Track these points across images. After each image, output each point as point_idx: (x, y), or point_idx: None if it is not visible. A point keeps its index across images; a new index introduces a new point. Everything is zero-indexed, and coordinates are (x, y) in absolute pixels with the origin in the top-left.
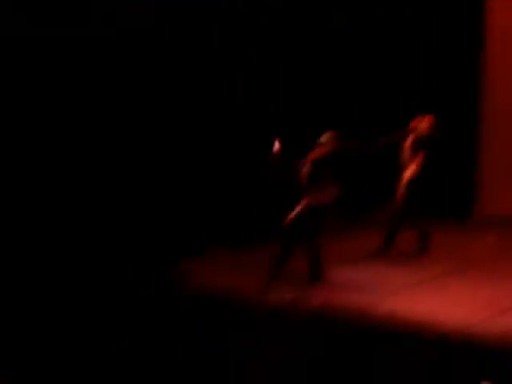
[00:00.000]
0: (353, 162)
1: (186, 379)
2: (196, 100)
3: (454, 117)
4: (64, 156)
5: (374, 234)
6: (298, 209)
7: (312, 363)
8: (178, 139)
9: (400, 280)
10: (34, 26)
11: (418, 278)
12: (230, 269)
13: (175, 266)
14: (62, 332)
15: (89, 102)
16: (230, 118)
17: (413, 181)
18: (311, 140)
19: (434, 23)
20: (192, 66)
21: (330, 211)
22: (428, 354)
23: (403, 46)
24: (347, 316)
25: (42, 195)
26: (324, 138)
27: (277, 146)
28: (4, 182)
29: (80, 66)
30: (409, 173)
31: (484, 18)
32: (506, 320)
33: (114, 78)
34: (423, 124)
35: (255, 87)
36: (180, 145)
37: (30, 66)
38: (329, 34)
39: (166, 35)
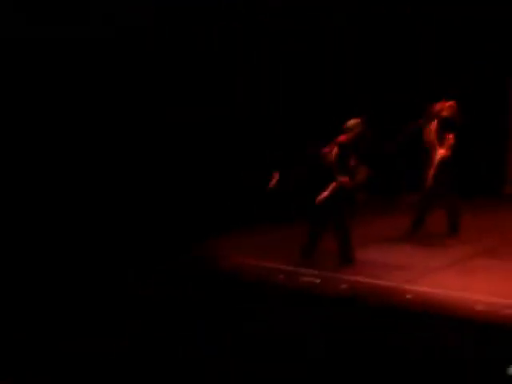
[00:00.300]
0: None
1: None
2: (196, 100)
3: (484, 100)
4: (63, 155)
5: (403, 216)
6: (329, 188)
7: (340, 342)
8: (178, 137)
9: (429, 261)
10: (33, 26)
11: (447, 259)
12: (257, 248)
13: (201, 245)
14: (62, 332)
15: (89, 101)
16: (230, 118)
17: (443, 162)
18: (312, 139)
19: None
20: (192, 66)
21: (361, 192)
22: (457, 335)
23: (403, 46)
24: (376, 297)
25: (40, 195)
26: (350, 123)
27: (274, 180)
28: (1, 180)
29: (80, 65)
30: (438, 155)
31: None
32: None
33: (114, 77)
34: (447, 107)
35: (255, 87)
36: (180, 143)
37: (30, 66)
38: (329, 34)
39: (166, 35)
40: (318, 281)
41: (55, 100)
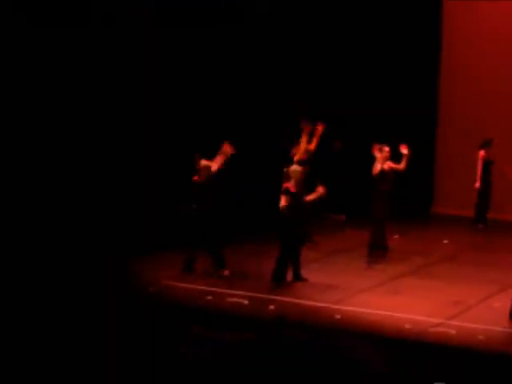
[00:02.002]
0: None
1: None
2: (196, 100)
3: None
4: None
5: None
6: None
7: (266, 365)
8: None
9: (358, 282)
10: (34, 26)
11: (375, 279)
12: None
13: (125, 264)
14: None
15: (88, 101)
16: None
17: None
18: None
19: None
20: (192, 67)
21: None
22: (386, 353)
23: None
24: (305, 318)
25: None
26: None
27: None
28: None
29: (80, 65)
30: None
31: None
32: (460, 322)
33: (114, 77)
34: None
35: (254, 87)
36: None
37: (29, 66)
38: (325, 36)
39: (166, 35)
40: (246, 302)
41: (55, 99)
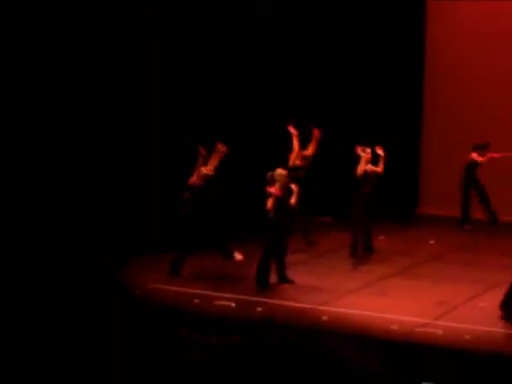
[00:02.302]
0: None
1: None
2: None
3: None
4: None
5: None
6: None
7: (254, 367)
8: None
9: (344, 283)
10: (34, 26)
11: (361, 280)
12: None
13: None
14: None
15: (88, 101)
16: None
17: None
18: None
19: None
20: (192, 67)
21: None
22: (370, 355)
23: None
24: (292, 319)
25: None
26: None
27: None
28: None
29: (80, 65)
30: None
31: None
32: (446, 322)
33: (114, 77)
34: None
35: (254, 88)
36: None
37: (30, 66)
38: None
39: (166, 35)
40: (233, 304)
41: (54, 99)
